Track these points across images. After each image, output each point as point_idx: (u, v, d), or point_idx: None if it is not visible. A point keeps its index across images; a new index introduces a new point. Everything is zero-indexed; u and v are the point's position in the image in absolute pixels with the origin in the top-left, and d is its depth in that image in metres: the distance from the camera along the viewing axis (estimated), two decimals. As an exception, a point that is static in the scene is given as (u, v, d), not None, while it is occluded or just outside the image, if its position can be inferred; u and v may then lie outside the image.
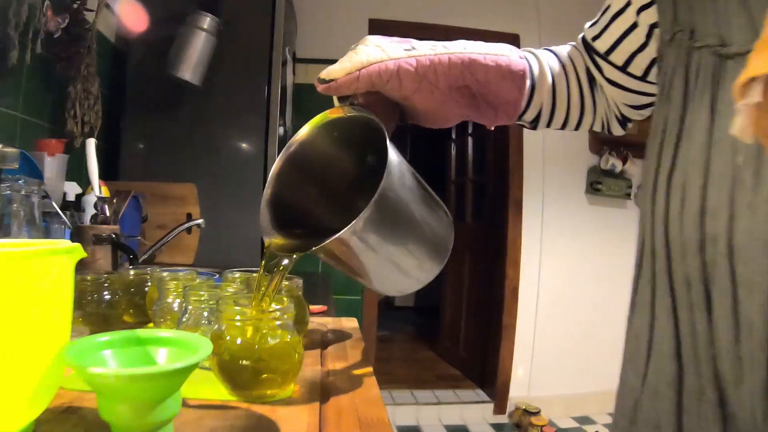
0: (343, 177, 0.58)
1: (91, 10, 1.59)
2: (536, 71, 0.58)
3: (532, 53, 0.60)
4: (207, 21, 1.72)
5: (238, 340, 0.44)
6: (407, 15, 2.88)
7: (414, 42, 0.54)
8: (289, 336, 0.46)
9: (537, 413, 2.71)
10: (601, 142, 3.05)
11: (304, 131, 0.55)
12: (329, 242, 0.44)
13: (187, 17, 1.73)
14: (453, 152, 3.79)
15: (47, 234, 1.28)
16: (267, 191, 0.54)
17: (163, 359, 0.36)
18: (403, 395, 2.98)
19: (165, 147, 1.84)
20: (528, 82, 0.56)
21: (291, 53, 2.19)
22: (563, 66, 0.60)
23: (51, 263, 0.32)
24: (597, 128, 0.64)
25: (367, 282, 0.53)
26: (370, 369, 0.55)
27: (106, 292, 0.67)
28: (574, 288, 3.01)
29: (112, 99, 1.90)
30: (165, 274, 0.65)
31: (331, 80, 0.51)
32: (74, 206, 1.47)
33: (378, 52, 0.52)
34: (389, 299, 5.19)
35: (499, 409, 2.92)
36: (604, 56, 0.56)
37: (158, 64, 1.74)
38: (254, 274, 0.67)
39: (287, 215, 0.54)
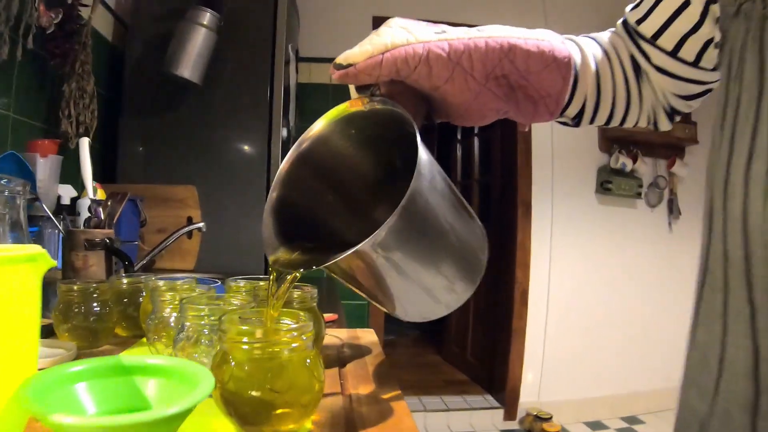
0: (362, 181, 0.51)
1: (86, 5, 1.53)
2: (578, 60, 0.51)
3: (572, 40, 0.53)
4: (207, 16, 1.65)
5: (246, 366, 0.36)
6: (411, 13, 2.81)
7: (444, 26, 0.47)
8: (308, 360, 0.38)
9: (549, 419, 2.64)
10: (610, 141, 2.98)
11: (319, 126, 0.48)
12: (344, 257, 0.37)
13: (186, 13, 1.66)
14: (459, 153, 3.72)
15: (39, 239, 1.22)
16: (272, 195, 0.46)
17: (153, 394, 0.29)
18: (410, 402, 2.91)
19: (164, 148, 1.77)
20: (572, 72, 0.49)
21: (294, 51, 2.13)
22: (606, 54, 0.53)
23: (8, 273, 0.25)
24: (642, 123, 0.57)
25: (386, 305, 0.46)
26: (398, 392, 0.47)
27: (95, 303, 0.60)
28: (584, 290, 2.94)
29: (109, 99, 1.84)
30: (161, 283, 0.58)
31: (349, 65, 0.44)
32: (69, 210, 1.41)
33: (404, 35, 0.45)
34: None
35: (509, 415, 2.85)
36: (651, 41, 0.50)
37: (157, 63, 1.67)
38: (261, 283, 0.59)
39: (295, 223, 0.46)
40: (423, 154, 0.40)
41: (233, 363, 0.37)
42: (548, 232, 2.90)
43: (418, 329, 4.77)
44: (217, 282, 0.80)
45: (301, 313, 0.41)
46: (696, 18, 0.46)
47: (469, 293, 0.48)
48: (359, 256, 0.38)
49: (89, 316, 0.60)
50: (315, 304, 0.55)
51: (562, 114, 0.52)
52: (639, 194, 3.01)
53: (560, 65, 0.47)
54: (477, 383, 3.20)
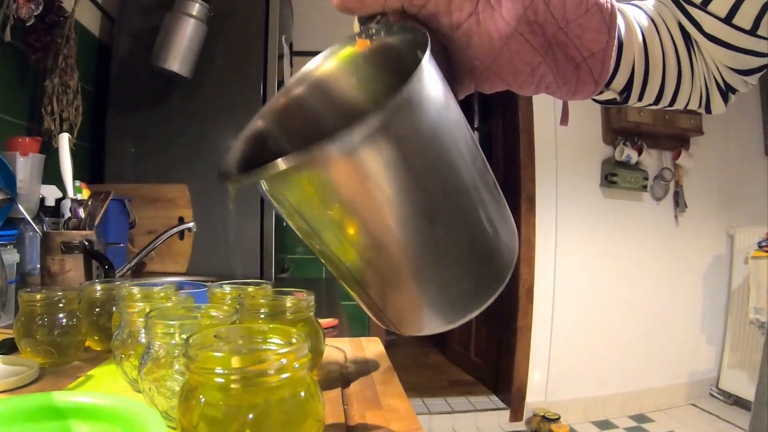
0: None
1: (69, -4, 1.46)
2: (621, 23, 0.43)
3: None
4: (196, 7, 1.58)
5: (221, 405, 0.28)
6: None
7: None
8: (303, 392, 0.29)
9: (557, 420, 2.58)
10: (614, 133, 2.92)
11: (330, 65, 0.39)
12: (307, 154, 0.25)
13: (174, 3, 1.58)
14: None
15: (20, 243, 1.14)
16: (257, 122, 0.37)
17: (91, 447, 0.22)
18: (413, 405, 2.82)
19: (154, 146, 1.70)
20: (616, 22, 0.42)
21: (288, 43, 2.05)
22: (651, 20, 0.46)
23: None
24: (694, 104, 0.49)
25: (398, 300, 0.33)
26: (415, 420, 0.39)
27: (61, 314, 0.53)
28: (591, 286, 2.88)
29: (96, 96, 1.76)
30: (135, 289, 0.51)
31: None
32: (53, 212, 1.34)
33: None
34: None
35: (515, 415, 2.79)
36: (702, 6, 0.42)
37: (145, 58, 1.60)
38: (250, 289, 0.51)
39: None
40: (428, 64, 0.29)
41: (203, 400, 0.28)
42: (553, 227, 2.83)
43: (420, 328, 4.69)
44: (204, 287, 0.72)
45: (293, 331, 0.32)
46: None
47: (492, 297, 0.35)
48: (334, 160, 0.26)
49: (54, 329, 0.52)
50: (312, 313, 0.46)
51: (608, 86, 0.45)
52: (645, 187, 2.94)
53: (602, 10, 0.40)
54: (482, 383, 3.13)
